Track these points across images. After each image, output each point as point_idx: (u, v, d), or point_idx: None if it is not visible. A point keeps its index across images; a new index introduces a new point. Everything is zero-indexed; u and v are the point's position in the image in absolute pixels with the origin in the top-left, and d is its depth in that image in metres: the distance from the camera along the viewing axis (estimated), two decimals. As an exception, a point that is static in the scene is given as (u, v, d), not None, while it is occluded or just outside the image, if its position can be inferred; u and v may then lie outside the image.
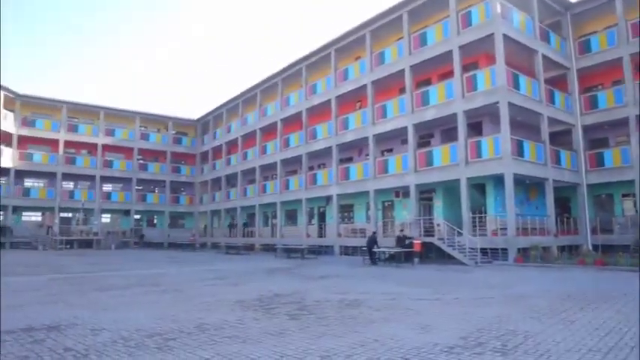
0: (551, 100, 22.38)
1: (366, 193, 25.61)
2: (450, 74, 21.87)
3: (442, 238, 20.17)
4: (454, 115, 20.92)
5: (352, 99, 28.39)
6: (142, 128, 43.81)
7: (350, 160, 29.26)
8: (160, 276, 13.79)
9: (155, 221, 45.99)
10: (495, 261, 18.69)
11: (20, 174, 38.45)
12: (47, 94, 39.20)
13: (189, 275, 14.20)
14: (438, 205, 23.79)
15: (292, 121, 32.59)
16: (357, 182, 26.31)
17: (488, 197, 21.58)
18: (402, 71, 23.77)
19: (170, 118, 44.97)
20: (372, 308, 7.45)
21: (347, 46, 28.05)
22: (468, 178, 20.27)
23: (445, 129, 23.18)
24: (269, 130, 34.79)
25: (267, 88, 35.22)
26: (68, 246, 36.34)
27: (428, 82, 24.15)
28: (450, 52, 21.37)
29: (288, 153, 32.19)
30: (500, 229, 19.47)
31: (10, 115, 37.22)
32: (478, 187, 21.84)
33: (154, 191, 44.60)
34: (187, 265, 19.39)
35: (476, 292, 9.46)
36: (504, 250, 18.70)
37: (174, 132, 45.54)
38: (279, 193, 32.67)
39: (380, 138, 25.44)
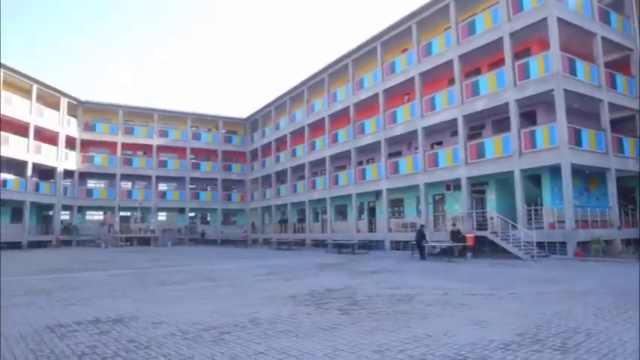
0: (613, 84, 21.21)
1: (416, 186, 25.31)
2: (500, 63, 21.21)
3: (496, 231, 19.65)
4: (506, 105, 20.29)
5: (400, 92, 28.09)
6: (194, 128, 45.23)
7: (399, 154, 28.99)
8: (214, 271, 14.22)
9: (208, 218, 47.39)
10: (553, 255, 18.02)
11: (83, 176, 40.69)
12: (104, 99, 40.89)
13: (242, 271, 14.55)
14: (491, 197, 23.18)
15: (340, 117, 32.64)
16: (407, 176, 26.06)
17: (544, 189, 20.78)
18: (451, 62, 23.28)
19: (220, 117, 46.15)
20: (424, 303, 7.40)
21: (393, 38, 27.75)
22: (522, 170, 19.62)
23: (496, 119, 22.54)
24: (317, 126, 35.00)
25: (314, 84, 35.44)
26: (128, 243, 38.13)
27: (477, 72, 23.55)
28: (501, 39, 20.71)
29: (337, 148, 32.28)
30: (558, 221, 18.70)
31: (74, 120, 39.45)
32: (533, 178, 21.09)
33: (206, 189, 45.96)
34: (240, 260, 19.88)
35: (533, 288, 9.18)
36: (562, 243, 17.99)
37: (224, 131, 46.69)
38: (329, 189, 32.85)
39: (429, 131, 25.06)
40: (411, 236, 23.85)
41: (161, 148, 43.18)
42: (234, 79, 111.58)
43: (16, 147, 33.23)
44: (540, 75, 19.28)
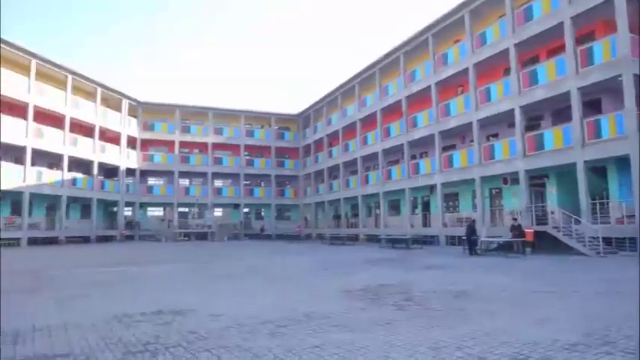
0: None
1: (472, 180, 24.66)
2: (560, 49, 20.20)
3: (557, 226, 18.80)
4: (567, 94, 19.26)
5: (453, 84, 27.42)
6: (247, 126, 46.12)
7: (453, 147, 28.31)
8: (269, 266, 14.49)
9: (262, 214, 48.24)
10: (621, 251, 17.01)
11: (144, 173, 42.49)
12: (161, 99, 42.51)
13: (296, 265, 14.75)
14: (552, 191, 22.21)
15: (392, 111, 32.28)
16: (462, 170, 25.44)
17: (610, 181, 19.63)
18: (506, 51, 22.42)
19: (272, 114, 46.81)
20: (482, 300, 7.22)
21: (445, 29, 27.10)
22: (586, 162, 18.62)
23: (556, 109, 21.49)
24: (369, 121, 34.80)
25: (365, 78, 35.23)
26: (186, 238, 39.52)
27: (535, 60, 22.56)
28: (561, 24, 19.65)
29: (389, 142, 31.97)
30: (627, 216, 17.60)
31: (134, 121, 41.26)
32: (598, 170, 19.97)
33: (260, 185, 46.84)
34: (294, 255, 20.14)
35: (599, 285, 8.74)
36: (632, 239, 16.95)
37: (276, 127, 47.33)
38: (382, 184, 32.62)
39: (484, 123, 24.31)
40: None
41: (216, 146, 44.36)
42: (284, 76, 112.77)
43: (83, 147, 35.20)
44: (606, 60, 18.14)
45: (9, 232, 29.67)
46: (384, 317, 5.97)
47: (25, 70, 30.84)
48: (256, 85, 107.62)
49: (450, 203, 29.20)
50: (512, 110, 21.90)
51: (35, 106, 30.94)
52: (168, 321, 6.01)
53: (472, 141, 25.26)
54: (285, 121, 48.25)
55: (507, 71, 23.02)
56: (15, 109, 30.22)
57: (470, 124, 24.65)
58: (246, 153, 45.19)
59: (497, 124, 24.58)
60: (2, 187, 28.64)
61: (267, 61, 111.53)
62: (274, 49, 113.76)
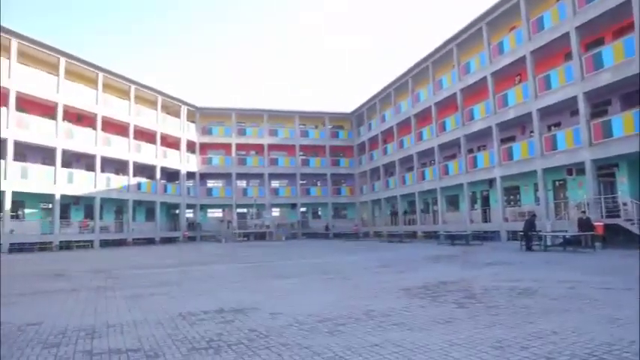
0: None
1: (533, 172, 23.71)
2: (628, 28, 18.91)
3: (631, 219, 17.69)
4: (636, 77, 18.06)
5: (510, 73, 26.48)
6: (301, 126, 46.67)
7: (512, 139, 27.35)
8: (327, 264, 14.57)
9: (319, 213, 48.61)
10: (703, 244, 15.81)
11: (203, 176, 44.03)
12: (218, 104, 43.90)
13: (355, 263, 14.74)
14: (623, 181, 20.91)
15: (447, 104, 31.64)
16: (522, 162, 24.50)
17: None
18: (567, 35, 21.32)
19: (326, 113, 47.08)
20: (548, 297, 6.92)
21: (499, 17, 26.24)
22: (663, 148, 17.40)
23: (625, 93, 20.20)
24: (423, 116, 34.27)
25: (418, 73, 34.71)
26: (245, 238, 40.51)
27: (599, 43, 21.30)
28: (628, 1, 18.28)
29: (445, 137, 31.34)
30: None
31: (192, 126, 42.82)
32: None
33: (316, 184, 47.28)
34: (352, 253, 20.14)
35: (682, 282, 8.13)
36: None
37: (330, 126, 47.56)
38: (439, 179, 32.02)
39: (545, 112, 23.31)
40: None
41: (272, 147, 45.19)
42: (335, 75, 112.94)
43: (146, 153, 36.91)
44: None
45: (84, 235, 31.58)
46: (445, 315, 5.85)
47: (92, 82, 32.70)
48: (308, 85, 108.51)
49: (511, 197, 28.23)
50: (575, 97, 20.82)
51: (103, 117, 32.75)
52: (230, 319, 6.16)
53: (532, 131, 24.27)
54: (338, 120, 48.42)
55: (568, 56, 21.96)
56: (85, 119, 32.14)
57: (529, 114, 23.71)
58: (301, 153, 45.75)
59: (558, 113, 23.51)
60: (77, 193, 30.62)
61: (318, 60, 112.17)
62: (325, 48, 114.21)
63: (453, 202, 33.65)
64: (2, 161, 26.08)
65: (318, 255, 20.03)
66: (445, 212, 32.56)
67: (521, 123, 26.09)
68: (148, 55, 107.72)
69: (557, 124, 24.19)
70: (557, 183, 24.92)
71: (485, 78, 27.05)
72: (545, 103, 22.67)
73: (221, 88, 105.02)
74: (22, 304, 8.00)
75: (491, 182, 28.30)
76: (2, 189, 25.90)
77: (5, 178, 26.05)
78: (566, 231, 18.97)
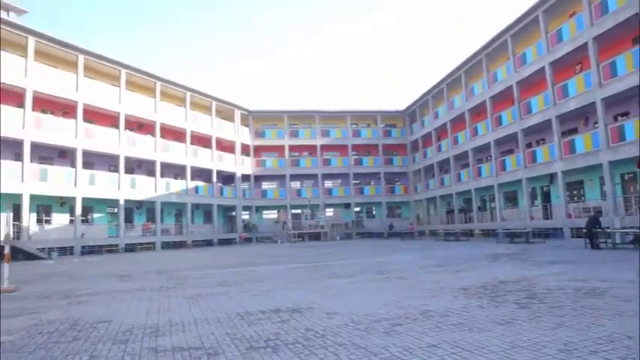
0: None
1: (599, 166, 22.49)
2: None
3: None
4: None
5: (570, 62, 25.25)
6: (353, 125, 46.60)
7: (574, 131, 26.08)
8: (383, 264, 14.46)
9: (373, 212, 48.34)
10: None
11: (257, 178, 44.91)
12: (270, 106, 44.73)
13: (410, 263, 14.54)
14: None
15: (502, 98, 30.62)
16: (586, 155, 23.28)
17: None
18: (635, 17, 20.00)
19: (378, 112, 46.74)
20: (619, 298, 6.53)
21: (557, 3, 25.05)
22: None
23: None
24: (478, 111, 33.35)
25: (471, 67, 33.83)
26: (300, 239, 40.87)
27: (671, 25, 19.91)
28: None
29: (502, 132, 30.35)
30: None
31: (246, 129, 43.77)
32: None
33: (369, 183, 47.06)
34: (408, 252, 19.88)
35: None
36: None
37: (382, 125, 47.18)
38: (496, 175, 31.05)
39: (610, 101, 22.04)
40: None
41: (324, 147, 45.43)
42: (382, 73, 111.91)
43: (203, 157, 38.12)
44: None
45: (146, 238, 33.03)
46: (505, 316, 5.66)
47: (151, 92, 34.20)
48: (358, 84, 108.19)
49: (574, 192, 26.92)
50: (645, 84, 19.54)
51: (161, 124, 34.15)
52: (286, 319, 6.26)
53: (596, 122, 23.04)
54: (390, 118, 47.93)
55: (637, 40, 20.64)
56: (145, 127, 33.65)
57: (593, 103, 22.49)
58: (354, 152, 45.73)
59: (626, 101, 22.16)
60: (139, 198, 32.10)
61: (367, 58, 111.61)
62: (373, 47, 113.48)
63: (512, 199, 32.51)
64: (69, 168, 27.78)
65: (373, 255, 19.91)
66: (503, 209, 31.50)
67: (584, 114, 24.84)
68: (200, 60, 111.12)
69: (625, 114, 22.82)
70: (625, 176, 23.50)
71: (542, 68, 25.96)
72: (611, 92, 21.42)
73: (271, 90, 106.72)
74: (92, 303, 8.48)
75: (552, 177, 27.12)
76: (73, 195, 27.65)
77: (76, 185, 27.74)
78: (638, 228, 17.85)
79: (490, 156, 32.35)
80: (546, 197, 29.26)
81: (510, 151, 31.51)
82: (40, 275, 15.12)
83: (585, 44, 22.84)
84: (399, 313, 6.22)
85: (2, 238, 23.61)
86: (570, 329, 4.84)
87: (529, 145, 29.13)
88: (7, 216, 25.50)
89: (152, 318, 6.73)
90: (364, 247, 26.42)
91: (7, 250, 12.48)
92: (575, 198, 26.61)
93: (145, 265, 18.69)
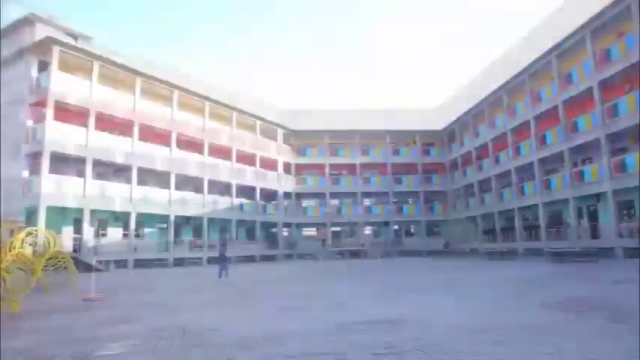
0: None
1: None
2: None
3: None
4: None
5: (619, 81, 25.14)
6: (392, 144, 46.96)
7: (623, 150, 25.82)
8: (442, 280, 14.74)
9: (412, 230, 48.34)
10: None
11: (298, 196, 45.66)
12: (312, 126, 45.47)
13: (470, 280, 14.71)
14: None
15: (547, 117, 30.55)
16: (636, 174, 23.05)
17: None
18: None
19: (416, 131, 46.94)
20: None
21: (605, 23, 25.14)
22: None
23: None
24: (521, 130, 33.33)
25: (514, 87, 33.93)
26: (340, 256, 41.15)
27: None
28: None
29: (546, 151, 30.24)
30: None
31: (288, 148, 44.73)
32: None
33: (408, 202, 47.10)
34: (459, 271, 19.83)
35: None
36: None
37: (421, 144, 47.37)
38: (540, 194, 30.87)
39: (663, 121, 21.89)
40: None
41: (364, 166, 45.92)
42: (420, 91, 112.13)
43: (247, 175, 39.16)
44: None
45: (194, 253, 34.03)
46: (604, 329, 6.01)
47: (199, 111, 35.57)
48: (394, 102, 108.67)
49: (624, 211, 26.54)
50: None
51: (209, 143, 35.39)
52: (388, 329, 6.61)
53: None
54: (429, 137, 48.05)
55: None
56: (193, 145, 34.91)
57: (645, 123, 22.37)
58: (393, 171, 45.98)
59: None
60: (188, 214, 33.18)
61: (404, 78, 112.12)
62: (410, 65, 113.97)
63: (557, 218, 32.19)
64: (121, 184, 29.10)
65: (427, 272, 20.01)
66: (548, 228, 31.21)
67: (634, 133, 24.67)
68: (243, 77, 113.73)
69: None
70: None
71: (590, 88, 25.96)
72: (664, 112, 21.34)
73: (311, 109, 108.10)
74: (187, 313, 9.07)
75: (599, 196, 26.87)
76: (128, 210, 28.96)
77: (131, 201, 29.07)
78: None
79: (533, 175, 32.21)
80: (593, 216, 28.92)
81: (555, 170, 31.33)
82: (113, 286, 15.99)
83: (636, 64, 22.79)
84: (494, 324, 6.55)
85: (89, 251, 24.91)
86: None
87: (575, 164, 28.96)
88: (94, 229, 27.34)
89: (256, 327, 7.16)
90: (410, 265, 26.31)
91: (94, 262, 13.44)
92: (626, 217, 26.26)
93: (205, 279, 19.29)
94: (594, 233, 27.49)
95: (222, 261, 18.45)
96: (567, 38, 27.64)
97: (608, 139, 25.06)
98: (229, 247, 36.72)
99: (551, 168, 32.00)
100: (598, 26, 25.52)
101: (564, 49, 28.32)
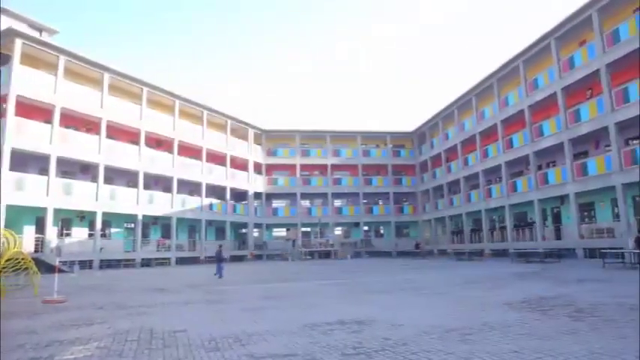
0: None
1: (610, 188, 23.10)
2: None
3: None
4: None
5: (581, 88, 26.09)
6: (363, 146, 47.28)
7: (585, 154, 26.74)
8: (410, 281, 14.88)
9: (382, 231, 48.76)
10: None
11: (269, 196, 45.47)
12: (283, 126, 45.53)
13: (438, 280, 14.99)
14: None
15: (513, 121, 31.37)
16: (599, 177, 23.90)
17: None
18: (645, 46, 20.89)
19: (387, 133, 47.50)
20: (666, 313, 7.05)
21: (569, 32, 25.98)
22: None
23: None
24: (489, 133, 34.05)
25: (483, 90, 34.65)
26: (309, 257, 41.16)
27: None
28: None
29: (513, 154, 31.00)
30: None
31: (258, 148, 44.48)
32: None
33: (378, 203, 47.50)
34: (427, 271, 20.29)
35: None
36: None
37: (392, 146, 47.86)
38: (507, 196, 31.60)
39: (623, 125, 22.70)
40: (608, 242, 22.04)
41: (335, 167, 46.09)
42: (393, 94, 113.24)
43: (217, 175, 38.73)
44: None
45: (161, 253, 33.45)
46: (565, 327, 6.12)
47: (170, 109, 34.99)
48: (367, 105, 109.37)
49: (585, 213, 27.44)
50: (659, 110, 20.26)
51: (179, 141, 34.86)
52: (357, 329, 6.58)
53: (607, 146, 23.75)
54: (400, 139, 48.65)
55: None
56: (163, 144, 34.32)
57: (605, 128, 23.20)
58: (363, 172, 46.32)
59: (638, 126, 22.83)
60: (156, 214, 32.61)
61: (376, 79, 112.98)
62: (381, 69, 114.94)
63: (522, 220, 33.00)
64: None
65: (393, 272, 20.27)
66: (514, 230, 32.00)
67: (595, 137, 25.52)
68: (214, 79, 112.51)
69: (636, 138, 23.50)
70: (637, 198, 24.08)
71: (554, 93, 26.74)
72: (624, 117, 22.11)
73: (283, 110, 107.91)
74: (153, 314, 8.86)
75: (562, 199, 27.71)
76: (94, 210, 28.23)
77: (97, 200, 28.33)
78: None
79: (500, 177, 32.96)
80: (557, 218, 29.79)
81: (520, 173, 32.15)
82: (77, 288, 15.53)
83: (597, 71, 23.62)
84: (461, 324, 6.64)
85: (52, 251, 24.05)
86: (636, 339, 5.28)
87: (540, 167, 29.75)
88: (57, 229, 26.61)
89: (224, 328, 7.05)
90: (379, 266, 26.70)
91: (57, 262, 13.02)
92: (587, 219, 27.14)
93: (172, 280, 19.05)
94: (558, 234, 28.31)
95: (219, 261, 19.49)
96: (533, 45, 28.38)
97: (571, 143, 25.84)
98: (197, 247, 36.45)
99: (517, 171, 32.81)
100: (562, 34, 26.30)
101: (530, 56, 29.06)
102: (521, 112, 29.82)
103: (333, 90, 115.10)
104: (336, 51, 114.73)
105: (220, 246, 21.94)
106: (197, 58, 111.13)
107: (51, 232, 25.87)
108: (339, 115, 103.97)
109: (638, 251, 17.35)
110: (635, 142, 23.43)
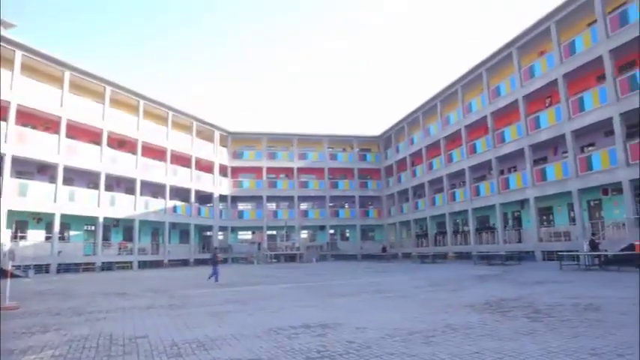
0: None
1: (567, 193, 23.97)
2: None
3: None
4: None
5: (541, 96, 27.00)
6: (330, 149, 47.50)
7: (544, 160, 27.67)
8: (375, 284, 15.01)
9: (347, 235, 49.00)
10: None
11: (234, 199, 45.03)
12: (249, 128, 45.28)
13: (402, 283, 15.15)
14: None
15: (477, 127, 32.12)
16: (556, 183, 24.77)
17: None
18: (600, 58, 21.79)
19: (354, 137, 47.86)
20: (617, 312, 7.31)
21: (529, 42, 26.90)
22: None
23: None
24: (453, 138, 34.77)
25: (447, 97, 35.37)
26: (275, 260, 40.97)
27: (632, 65, 21.66)
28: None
29: (476, 159, 31.73)
30: None
31: (224, 150, 43.98)
32: None
33: (344, 207, 47.74)
34: (392, 274, 20.49)
35: None
36: None
37: (358, 149, 48.26)
38: (470, 200, 32.31)
39: (579, 133, 23.61)
40: (564, 246, 22.85)
41: (301, 170, 46.07)
42: (360, 98, 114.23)
43: (182, 177, 38.09)
44: None
45: (123, 257, 32.61)
46: (524, 328, 6.30)
47: (133, 109, 34.22)
48: (334, 108, 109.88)
49: (544, 217, 28.34)
50: (611, 118, 21.15)
51: (143, 142, 34.12)
52: (322, 333, 6.59)
53: (565, 152, 24.64)
54: (366, 143, 49.13)
55: (601, 78, 22.37)
56: (126, 145, 33.52)
57: (562, 135, 24.06)
58: (330, 176, 46.51)
59: (592, 134, 23.86)
60: (118, 216, 31.78)
61: (343, 83, 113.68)
62: (350, 72, 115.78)
63: (485, 223, 33.82)
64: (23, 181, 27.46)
65: (358, 275, 20.45)
66: (476, 233, 32.74)
67: (554, 144, 26.42)
68: (179, 79, 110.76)
69: (591, 145, 24.47)
70: (592, 203, 25.05)
71: (516, 101, 27.56)
72: (580, 125, 23.01)
73: (250, 112, 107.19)
74: (113, 320, 8.61)
75: (523, 203, 28.53)
76: (52, 211, 27.26)
77: (55, 202, 27.37)
78: (606, 250, 19.12)
79: (464, 182, 33.68)
80: (518, 222, 30.67)
81: (483, 177, 32.95)
82: (31, 293, 14.97)
83: (555, 80, 24.50)
84: (424, 326, 6.74)
85: (4, 255, 22.99)
86: (589, 337, 5.54)
87: (502, 172, 30.56)
88: (11, 231, 25.57)
89: (187, 333, 6.92)
90: (345, 269, 26.84)
91: (9, 267, 12.48)
92: (545, 223, 28.03)
93: (134, 284, 18.59)
94: (518, 237, 29.12)
95: (214, 265, 19.47)
96: (496, 53, 29.18)
97: (532, 149, 26.66)
98: (161, 250, 35.72)
99: (480, 175, 33.60)
100: (523, 44, 27.15)
101: (493, 64, 29.85)
102: (484, 118, 30.58)
103: (304, 92, 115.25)
104: (312, 53, 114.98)
105: (216, 248, 21.80)
106: (163, 58, 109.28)
107: (4, 234, 24.79)
108: (307, 117, 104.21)
109: (592, 254, 18.11)
110: (590, 148, 24.38)
